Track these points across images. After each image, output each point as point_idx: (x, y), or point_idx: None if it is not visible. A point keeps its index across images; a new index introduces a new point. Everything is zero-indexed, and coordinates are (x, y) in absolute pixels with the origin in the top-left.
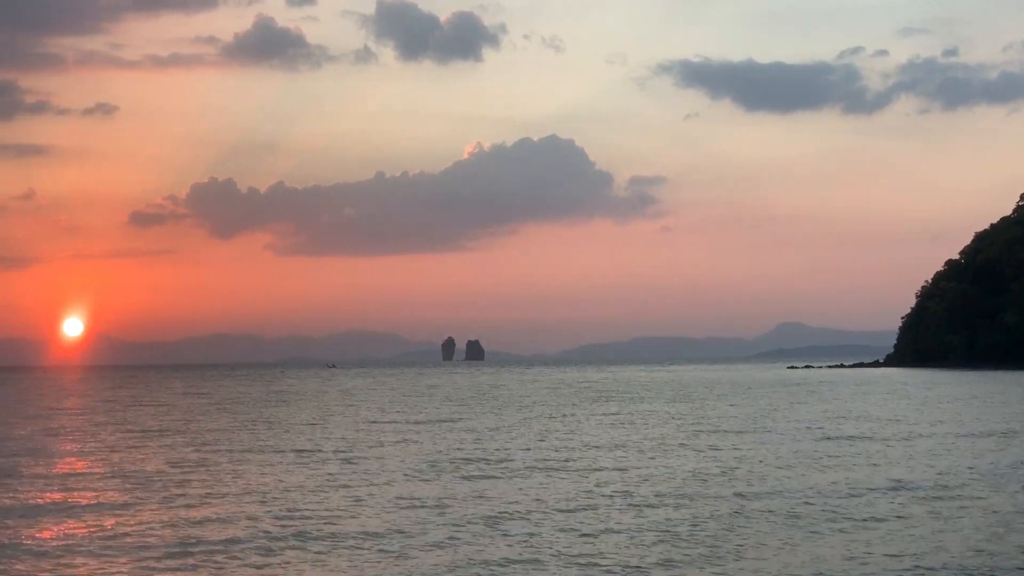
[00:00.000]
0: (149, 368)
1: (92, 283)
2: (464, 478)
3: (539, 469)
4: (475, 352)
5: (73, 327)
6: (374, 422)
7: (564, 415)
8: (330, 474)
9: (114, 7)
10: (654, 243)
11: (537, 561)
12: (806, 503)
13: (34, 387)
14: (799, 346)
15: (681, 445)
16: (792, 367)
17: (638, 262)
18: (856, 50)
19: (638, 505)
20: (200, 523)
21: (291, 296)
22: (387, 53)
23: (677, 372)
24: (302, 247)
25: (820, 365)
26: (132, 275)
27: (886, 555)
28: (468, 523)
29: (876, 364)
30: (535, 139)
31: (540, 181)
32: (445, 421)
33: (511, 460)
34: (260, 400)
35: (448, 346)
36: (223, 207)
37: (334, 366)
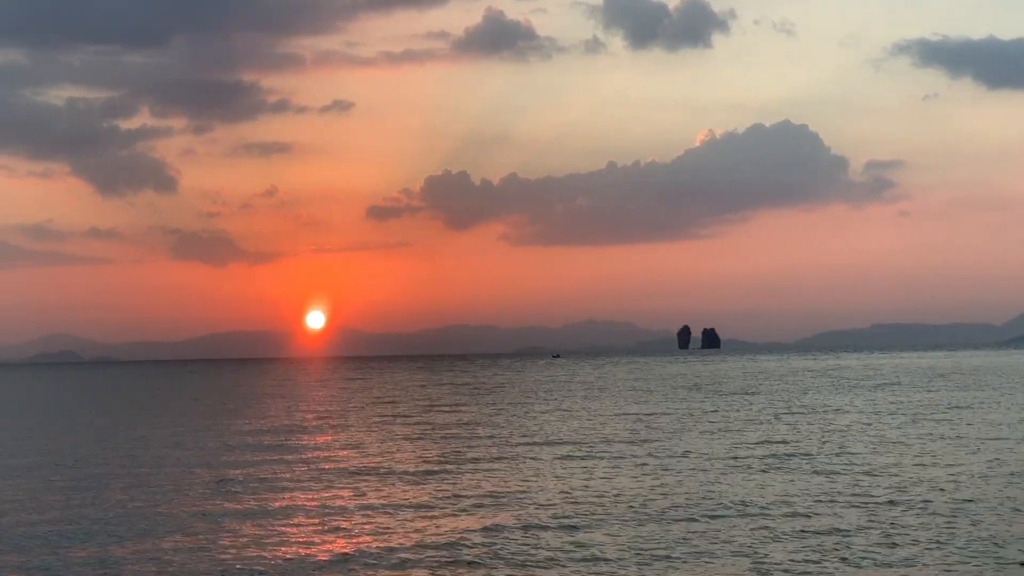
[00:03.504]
0: (394, 359)
1: (333, 276)
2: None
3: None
4: (711, 340)
5: (316, 319)
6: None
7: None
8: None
9: (350, 6)
10: (892, 228)
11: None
12: None
13: (304, 377)
14: None
15: None
16: None
17: (875, 247)
18: None
19: None
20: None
21: (525, 286)
22: (616, 42)
23: (954, 359)
24: (536, 237)
25: None
26: (370, 268)
27: None
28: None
29: None
30: (767, 125)
31: (773, 167)
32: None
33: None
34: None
35: (683, 334)
36: (457, 199)
37: (558, 356)
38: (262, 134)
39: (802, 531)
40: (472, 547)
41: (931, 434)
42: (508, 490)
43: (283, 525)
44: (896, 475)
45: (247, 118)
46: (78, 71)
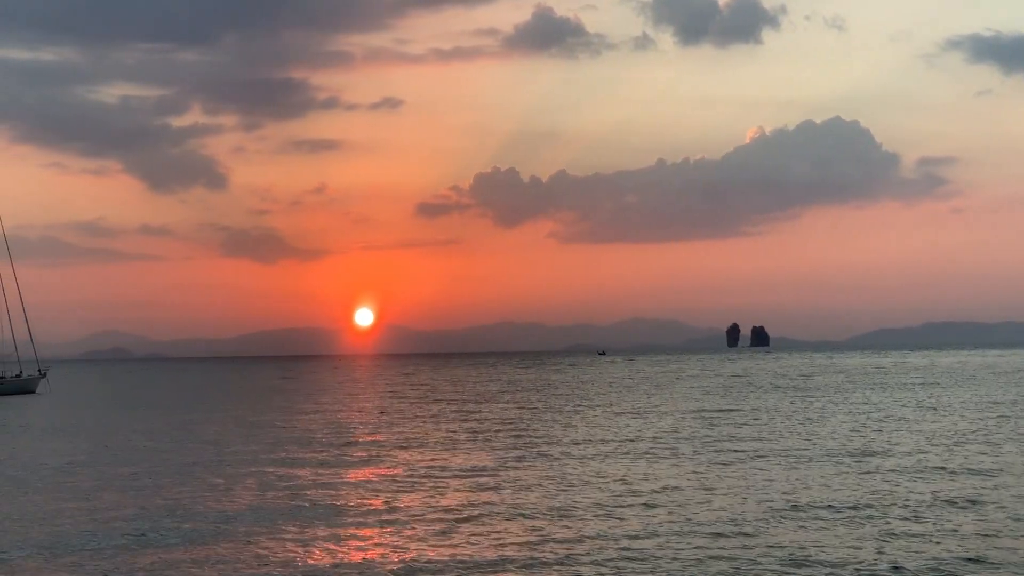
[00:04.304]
0: (443, 356)
1: (382, 273)
2: None
3: None
4: (760, 338)
5: (365, 317)
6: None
7: None
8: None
9: (399, 4)
10: (945, 225)
11: None
12: None
13: (375, 376)
14: None
15: None
16: None
17: (928, 245)
18: None
19: None
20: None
21: (574, 284)
22: (666, 39)
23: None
24: (584, 235)
25: None
26: (419, 265)
27: None
28: None
29: None
30: (818, 122)
31: (824, 164)
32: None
33: None
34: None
35: (732, 332)
36: (506, 196)
37: (603, 353)
38: (311, 131)
39: (854, 532)
40: (521, 548)
41: (986, 432)
42: (560, 489)
43: (330, 526)
44: (953, 472)
45: (297, 115)
46: (131, 69)
